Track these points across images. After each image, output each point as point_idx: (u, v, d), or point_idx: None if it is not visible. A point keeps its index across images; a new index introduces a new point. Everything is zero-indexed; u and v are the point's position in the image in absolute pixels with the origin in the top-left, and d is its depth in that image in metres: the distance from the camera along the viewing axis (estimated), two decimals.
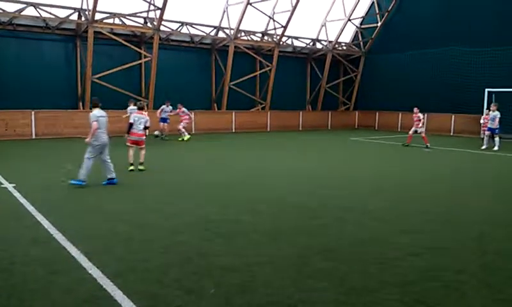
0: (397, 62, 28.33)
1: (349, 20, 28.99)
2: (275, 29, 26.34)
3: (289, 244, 5.82)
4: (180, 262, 5.10)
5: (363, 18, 30.23)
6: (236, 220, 6.94)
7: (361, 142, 21.14)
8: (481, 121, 20.12)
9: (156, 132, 19.06)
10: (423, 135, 18.59)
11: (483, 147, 17.96)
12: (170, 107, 19.89)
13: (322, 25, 29.02)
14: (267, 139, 21.80)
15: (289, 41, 28.18)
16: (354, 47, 31.02)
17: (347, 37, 30.94)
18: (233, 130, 25.47)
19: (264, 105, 27.46)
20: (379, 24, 29.72)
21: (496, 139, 17.69)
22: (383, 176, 11.58)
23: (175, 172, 11.67)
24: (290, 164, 13.44)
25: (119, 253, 5.39)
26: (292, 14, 25.12)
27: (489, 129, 17.87)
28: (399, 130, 27.64)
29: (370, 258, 5.36)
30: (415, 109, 19.06)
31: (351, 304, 4.15)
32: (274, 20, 26.01)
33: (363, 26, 30.56)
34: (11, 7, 19.13)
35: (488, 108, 19.23)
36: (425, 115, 26.05)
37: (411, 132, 18.76)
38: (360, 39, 30.73)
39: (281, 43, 26.87)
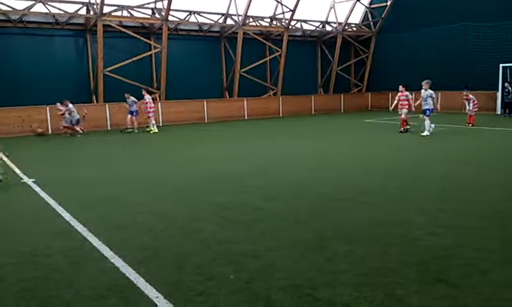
0: (408, 41, 27.93)
1: (358, 0, 28.59)
2: (283, 13, 26.14)
3: (307, 228, 5.84)
4: (200, 249, 5.16)
5: None
6: (253, 207, 6.97)
7: (375, 123, 20.97)
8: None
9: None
10: (403, 117, 16.35)
11: (425, 133, 15.26)
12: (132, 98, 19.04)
13: (331, 7, 28.71)
14: (279, 125, 21.77)
15: (298, 25, 27.96)
16: (364, 27, 30.65)
17: (356, 18, 30.57)
18: (246, 117, 25.46)
19: (275, 91, 27.37)
20: (388, 3, 29.26)
21: (427, 121, 15.24)
22: (397, 157, 11.51)
23: (187, 161, 11.75)
24: (304, 149, 13.42)
25: (139, 242, 5.46)
26: None
27: (423, 110, 15.38)
28: (413, 109, 27.31)
29: (389, 239, 5.35)
30: (401, 87, 16.58)
31: (372, 284, 4.16)
32: (282, 4, 25.80)
33: (372, 6, 30.16)
34: (21, 5, 19.28)
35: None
36: (439, 93, 25.86)
37: (404, 116, 16.37)
38: (370, 19, 30.34)
39: (290, 27, 26.67)
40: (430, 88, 15.41)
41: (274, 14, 26.38)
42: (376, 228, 5.78)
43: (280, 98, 27.17)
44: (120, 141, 16.79)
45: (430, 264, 4.58)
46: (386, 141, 14.68)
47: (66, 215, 6.64)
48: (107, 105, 20.85)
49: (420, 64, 26.93)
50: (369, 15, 30.36)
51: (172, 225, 6.12)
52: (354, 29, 30.40)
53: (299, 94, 28.07)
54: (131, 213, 6.73)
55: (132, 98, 19.05)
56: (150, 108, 19.00)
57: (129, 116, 19.20)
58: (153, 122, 19.18)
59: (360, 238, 5.43)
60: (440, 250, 4.95)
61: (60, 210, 6.97)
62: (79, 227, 6.08)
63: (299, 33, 28.43)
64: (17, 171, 10.56)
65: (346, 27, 29.42)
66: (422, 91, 15.47)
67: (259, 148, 14.14)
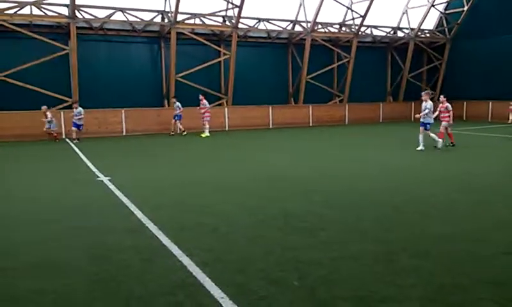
0: (486, 47, 26.39)
1: (433, 5, 27.50)
2: (353, 19, 25.73)
3: (374, 239, 5.70)
4: (264, 254, 5.21)
5: (448, 2, 28.50)
6: (318, 215, 6.93)
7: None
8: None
9: None
10: (446, 130, 15.00)
11: (419, 147, 14.17)
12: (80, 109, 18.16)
13: (404, 13, 27.83)
14: (344, 133, 21.44)
15: (368, 31, 27.37)
16: (438, 33, 29.40)
17: (430, 23, 29.41)
18: (311, 124, 25.32)
19: (341, 98, 26.98)
20: (465, 8, 27.84)
21: (432, 135, 14.26)
22: (469, 170, 10.91)
23: (251, 165, 11.88)
24: (367, 158, 13.11)
25: (205, 243, 5.62)
26: (371, 3, 24.35)
27: (421, 124, 14.24)
28: (489, 120, 25.83)
29: (460, 255, 5.10)
30: (442, 98, 15.46)
31: (441, 301, 3.99)
32: (352, 10, 25.42)
33: (447, 11, 28.85)
34: (102, 13, 20.58)
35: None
36: None
37: (442, 129, 14.86)
38: (445, 25, 29.06)
39: (359, 33, 26.20)
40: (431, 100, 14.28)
41: (344, 20, 26.05)
42: (446, 243, 5.52)
43: (346, 106, 26.74)
44: (187, 143, 17.36)
45: (505, 284, 4.31)
46: (456, 152, 13.97)
47: (138, 213, 6.98)
48: None
49: (500, 72, 25.41)
50: (444, 21, 29.09)
51: (236, 228, 6.23)
52: (428, 35, 29.25)
53: (366, 102, 27.45)
54: (197, 215, 6.94)
55: (178, 103, 19.79)
56: (206, 113, 19.64)
57: (173, 120, 20.08)
58: (207, 127, 19.68)
59: (429, 252, 5.21)
60: None
61: (132, 208, 7.34)
62: (150, 225, 6.36)
63: (368, 39, 27.82)
64: (94, 169, 11.24)
65: (419, 33, 28.38)
66: (423, 103, 14.31)
67: (322, 154, 14.01)
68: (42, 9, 19.32)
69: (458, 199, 7.89)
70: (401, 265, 4.85)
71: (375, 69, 28.70)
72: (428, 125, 14.19)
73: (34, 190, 9.10)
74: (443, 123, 14.97)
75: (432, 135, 14.33)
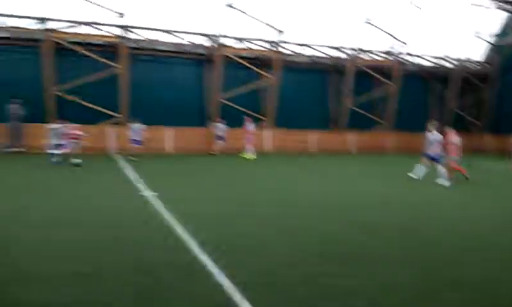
0: None
1: (479, 36, 26.91)
2: (397, 47, 25.55)
3: (415, 272, 5.58)
4: (305, 281, 5.20)
5: (496, 33, 27.83)
6: (359, 244, 6.86)
7: (491, 170, 19.28)
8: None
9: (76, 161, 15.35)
10: (454, 165, 14.03)
11: (412, 175, 14.00)
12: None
13: (448, 43, 27.38)
14: (386, 162, 21.09)
15: (412, 59, 27.06)
16: (485, 64, 28.67)
17: (477, 54, 28.77)
18: (352, 151, 25.03)
19: (384, 126, 26.60)
20: None
21: (439, 168, 13.46)
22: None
23: (291, 191, 11.87)
24: (414, 189, 12.82)
25: (246, 266, 5.66)
26: (415, 31, 24.15)
27: (430, 157, 13.76)
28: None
29: (503, 293, 4.97)
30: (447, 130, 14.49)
31: None
32: (396, 38, 25.26)
33: (495, 42, 28.12)
34: (151, 35, 21.44)
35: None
36: None
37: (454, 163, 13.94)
38: (492, 56, 28.33)
39: (403, 61, 25.93)
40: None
41: (388, 48, 25.89)
42: (489, 281, 5.33)
43: (389, 134, 26.33)
44: (231, 164, 17.54)
45: None
46: (503, 191, 13.42)
47: (181, 231, 7.10)
48: None
49: None
50: (492, 51, 28.36)
51: (277, 252, 6.25)
52: (474, 65, 28.57)
53: (409, 130, 26.89)
54: (239, 237, 6.99)
55: (221, 124, 20.48)
56: (250, 135, 20.14)
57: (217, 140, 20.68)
58: (248, 148, 19.98)
59: (473, 288, 5.06)
60: None
61: (175, 224, 7.47)
62: (191, 243, 6.46)
63: (413, 68, 27.48)
64: (140, 185, 11.46)
65: (465, 63, 27.75)
66: (429, 134, 13.80)
67: (364, 183, 13.82)
68: (95, 29, 20.32)
69: (501, 238, 7.60)
70: (446, 299, 4.74)
71: (419, 98, 28.21)
72: (436, 156, 13.61)
73: (86, 203, 9.37)
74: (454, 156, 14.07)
75: (439, 168, 13.54)
